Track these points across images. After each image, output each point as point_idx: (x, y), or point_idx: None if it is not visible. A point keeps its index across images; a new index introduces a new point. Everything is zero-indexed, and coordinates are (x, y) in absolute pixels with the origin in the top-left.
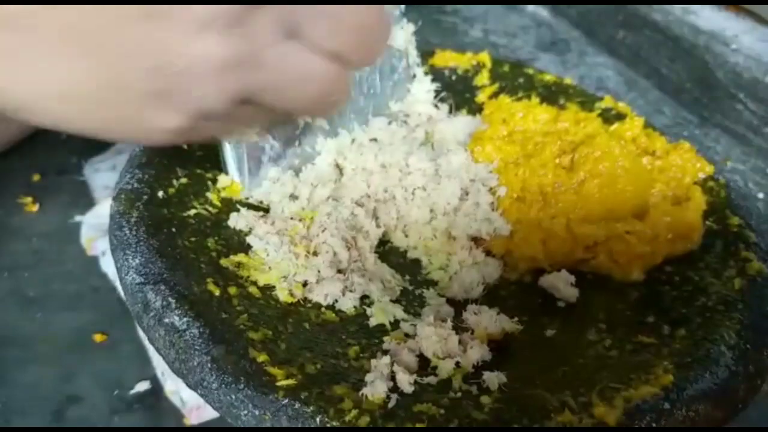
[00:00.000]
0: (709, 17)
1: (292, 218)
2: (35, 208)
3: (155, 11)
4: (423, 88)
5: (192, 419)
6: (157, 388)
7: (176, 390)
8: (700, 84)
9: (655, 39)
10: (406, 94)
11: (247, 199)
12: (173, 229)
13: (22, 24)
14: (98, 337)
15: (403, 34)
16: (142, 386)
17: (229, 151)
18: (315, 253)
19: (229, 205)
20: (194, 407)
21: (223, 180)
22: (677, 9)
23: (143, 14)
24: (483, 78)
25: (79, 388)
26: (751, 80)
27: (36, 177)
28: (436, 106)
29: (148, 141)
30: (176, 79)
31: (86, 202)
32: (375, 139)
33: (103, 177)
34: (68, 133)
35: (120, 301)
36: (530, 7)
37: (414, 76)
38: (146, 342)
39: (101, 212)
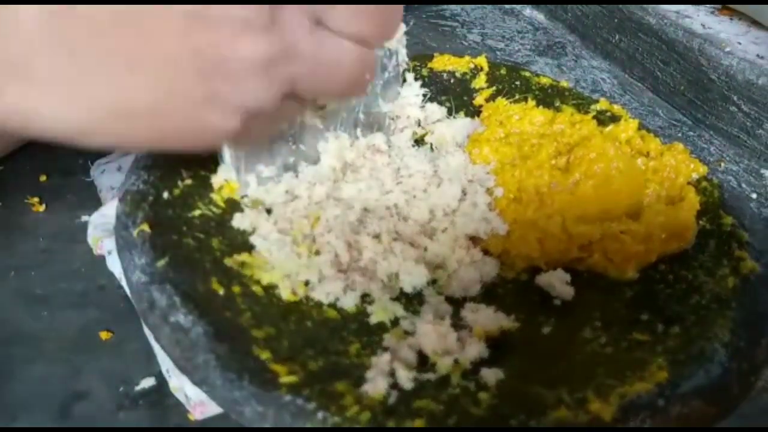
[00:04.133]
0: (703, 21)
1: (294, 216)
2: (42, 208)
3: (196, 18)
4: (412, 92)
5: (196, 415)
6: (161, 385)
7: (181, 386)
8: (694, 86)
9: (649, 42)
10: (397, 96)
11: (243, 197)
12: (178, 229)
13: (65, 44)
14: (104, 335)
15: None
16: (147, 383)
17: (225, 149)
18: (317, 253)
19: (233, 206)
20: (198, 403)
21: (216, 179)
22: (671, 13)
23: (184, 25)
24: (480, 81)
25: (85, 384)
26: (745, 82)
27: (43, 177)
28: (422, 107)
29: (201, 146)
30: (227, 81)
31: (93, 202)
32: (374, 144)
33: (109, 178)
34: (120, 150)
35: (125, 300)
36: (527, 12)
37: (404, 79)
38: (151, 339)
39: (107, 212)
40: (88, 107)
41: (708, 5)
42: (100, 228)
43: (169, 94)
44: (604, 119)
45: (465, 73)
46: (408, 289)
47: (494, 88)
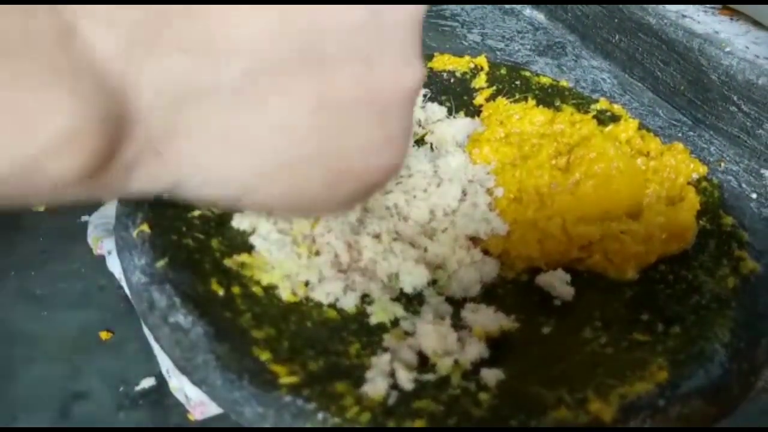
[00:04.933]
0: (703, 20)
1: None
2: (42, 207)
3: (370, 55)
4: None
5: (196, 415)
6: (161, 385)
7: (180, 386)
8: (694, 86)
9: (649, 42)
10: None
11: None
12: (178, 230)
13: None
14: (104, 335)
15: None
16: (147, 383)
17: None
18: (317, 253)
19: None
20: (198, 403)
21: None
22: (671, 13)
23: (361, 65)
24: (481, 81)
25: (85, 384)
26: (745, 82)
27: None
28: (422, 107)
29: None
30: (401, 119)
31: (93, 202)
32: None
33: None
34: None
35: (125, 300)
36: (527, 12)
37: None
38: (151, 339)
39: (107, 212)
40: (257, 159)
41: (708, 5)
42: (100, 228)
43: (345, 141)
44: (604, 119)
45: (465, 73)
46: (408, 289)
47: (494, 87)
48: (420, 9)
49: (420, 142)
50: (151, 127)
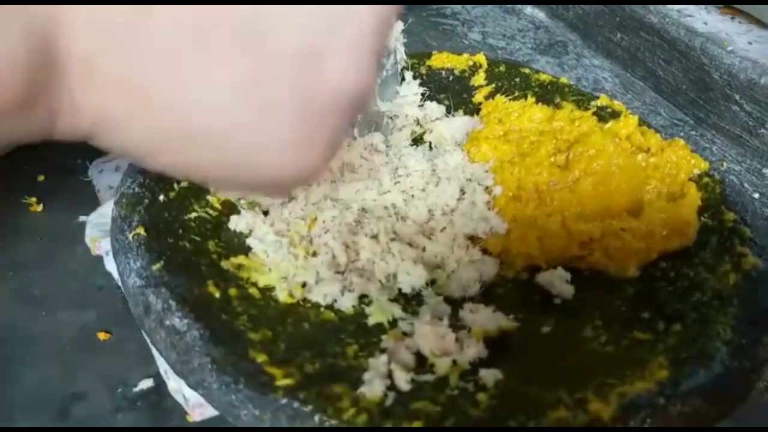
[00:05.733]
0: (705, 19)
1: (291, 217)
2: (40, 208)
3: (311, 52)
4: (411, 90)
5: (195, 416)
6: (160, 386)
7: (179, 388)
8: (696, 86)
9: (651, 41)
10: (395, 95)
11: (240, 199)
12: (174, 232)
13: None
14: (102, 336)
15: (392, 33)
16: (146, 384)
17: None
18: (314, 254)
19: (229, 208)
20: (197, 405)
21: None
22: (673, 11)
23: (298, 59)
24: (479, 79)
25: (83, 385)
26: (747, 82)
27: (41, 177)
28: (420, 106)
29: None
30: (322, 115)
31: (91, 202)
32: (372, 143)
33: (108, 177)
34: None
35: (124, 301)
36: (528, 10)
37: (403, 77)
38: (149, 341)
39: (105, 212)
40: (162, 123)
41: (710, 4)
42: (98, 228)
43: (257, 128)
44: (604, 115)
45: (464, 71)
46: (406, 289)
47: (493, 85)
48: (384, 10)
49: (418, 140)
50: (74, 78)
